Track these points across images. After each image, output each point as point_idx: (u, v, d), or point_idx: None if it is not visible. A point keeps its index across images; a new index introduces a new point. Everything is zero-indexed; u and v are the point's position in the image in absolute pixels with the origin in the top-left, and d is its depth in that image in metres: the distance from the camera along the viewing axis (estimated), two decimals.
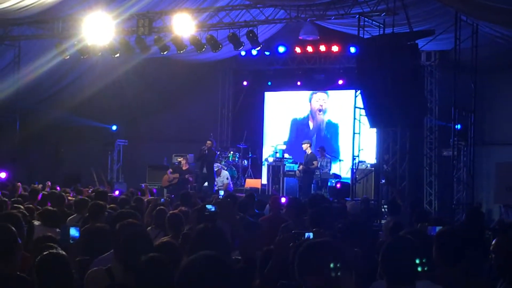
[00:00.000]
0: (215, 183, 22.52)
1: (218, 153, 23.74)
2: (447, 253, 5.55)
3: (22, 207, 10.73)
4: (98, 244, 6.60)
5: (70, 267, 4.76)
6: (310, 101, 26.31)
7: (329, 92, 25.85)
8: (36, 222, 9.79)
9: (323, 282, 3.79)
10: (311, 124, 26.11)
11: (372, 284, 5.16)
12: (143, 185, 18.93)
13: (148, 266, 4.71)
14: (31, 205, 11.43)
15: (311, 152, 21.85)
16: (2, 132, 25.24)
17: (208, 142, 22.53)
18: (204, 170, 22.67)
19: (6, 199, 12.77)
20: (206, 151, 22.32)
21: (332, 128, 25.36)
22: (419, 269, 4.57)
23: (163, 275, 4.57)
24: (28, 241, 6.85)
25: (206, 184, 22.55)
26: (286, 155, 22.86)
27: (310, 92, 26.29)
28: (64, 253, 4.95)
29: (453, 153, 17.27)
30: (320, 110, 25.79)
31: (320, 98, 26.07)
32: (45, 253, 4.83)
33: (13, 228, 5.49)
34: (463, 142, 18.76)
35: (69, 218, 10.56)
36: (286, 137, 26.06)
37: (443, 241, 5.62)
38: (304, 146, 22.11)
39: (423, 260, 4.65)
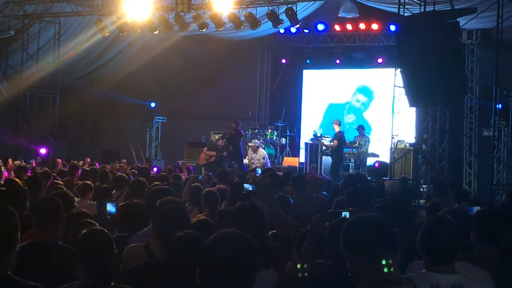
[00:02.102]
0: (253, 160, 22.48)
1: (244, 133, 23.49)
2: (486, 233, 5.48)
3: (61, 182, 10.86)
4: (135, 220, 6.63)
5: (112, 244, 4.79)
6: (352, 96, 26.23)
7: (368, 70, 25.66)
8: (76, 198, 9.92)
9: (374, 262, 3.65)
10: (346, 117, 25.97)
11: (410, 264, 5.12)
12: (179, 162, 18.96)
13: (181, 242, 4.71)
14: (70, 180, 11.49)
15: (337, 131, 21.62)
16: (42, 108, 25.48)
17: (233, 124, 22.45)
18: (231, 148, 22.49)
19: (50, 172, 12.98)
20: (232, 132, 22.22)
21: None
22: (458, 249, 4.52)
23: (196, 252, 4.57)
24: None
25: (235, 164, 22.41)
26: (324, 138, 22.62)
27: (355, 88, 26.19)
28: (103, 228, 4.98)
29: (493, 133, 17.02)
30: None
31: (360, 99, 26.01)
32: (87, 229, 4.87)
33: (58, 200, 5.62)
34: (504, 121, 18.51)
35: None
36: (322, 115, 26.02)
37: (482, 221, 5.54)
38: (334, 126, 21.99)
39: (462, 240, 4.60)
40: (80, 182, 11.82)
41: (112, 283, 4.60)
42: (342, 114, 25.76)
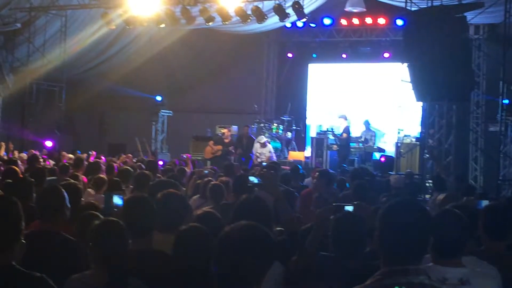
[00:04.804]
0: (259, 154, 22.46)
1: (255, 138, 23.44)
2: (493, 229, 5.46)
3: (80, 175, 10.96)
4: None
5: (124, 233, 4.80)
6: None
7: (375, 64, 25.58)
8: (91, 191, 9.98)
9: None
10: None
11: None
12: (184, 155, 18.93)
13: (187, 235, 4.69)
14: (76, 174, 11.48)
15: (345, 126, 21.67)
16: (49, 101, 25.49)
17: (245, 128, 22.53)
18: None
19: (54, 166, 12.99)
20: (245, 140, 22.32)
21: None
22: (465, 243, 4.50)
23: (202, 245, 4.56)
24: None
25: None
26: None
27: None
28: (118, 220, 4.98)
29: (500, 128, 16.99)
30: None
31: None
32: (101, 220, 4.89)
33: (61, 189, 5.62)
34: (510, 117, 18.46)
35: None
36: (329, 110, 25.94)
37: (490, 216, 5.51)
38: (339, 121, 21.99)
39: (470, 234, 4.57)
40: (83, 175, 11.86)
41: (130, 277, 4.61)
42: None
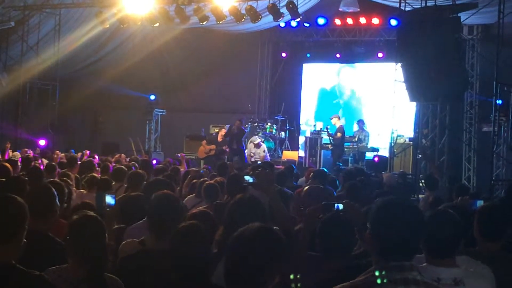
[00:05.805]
0: (253, 154, 22.48)
1: (247, 131, 23.44)
2: (489, 228, 5.47)
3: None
4: (133, 212, 6.62)
5: (103, 231, 4.78)
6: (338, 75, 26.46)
7: (368, 64, 25.65)
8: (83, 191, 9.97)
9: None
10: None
11: None
12: (179, 155, 18.93)
13: (184, 232, 4.68)
14: (69, 173, 11.46)
15: (340, 125, 21.66)
16: (42, 100, 25.45)
17: (237, 122, 22.48)
18: (235, 146, 22.51)
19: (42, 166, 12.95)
20: (236, 130, 22.26)
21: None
22: (459, 243, 4.52)
23: (199, 243, 4.55)
24: (66, 208, 6.93)
25: (236, 158, 22.44)
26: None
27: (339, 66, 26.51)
28: (97, 215, 4.95)
29: (493, 128, 16.99)
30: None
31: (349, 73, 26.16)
32: (79, 215, 4.87)
33: (53, 190, 5.60)
34: (504, 117, 18.47)
35: None
36: (323, 109, 26.00)
37: (484, 217, 5.52)
38: (333, 120, 21.97)
39: (464, 234, 4.59)
40: (78, 175, 11.86)
41: (107, 274, 4.60)
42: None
